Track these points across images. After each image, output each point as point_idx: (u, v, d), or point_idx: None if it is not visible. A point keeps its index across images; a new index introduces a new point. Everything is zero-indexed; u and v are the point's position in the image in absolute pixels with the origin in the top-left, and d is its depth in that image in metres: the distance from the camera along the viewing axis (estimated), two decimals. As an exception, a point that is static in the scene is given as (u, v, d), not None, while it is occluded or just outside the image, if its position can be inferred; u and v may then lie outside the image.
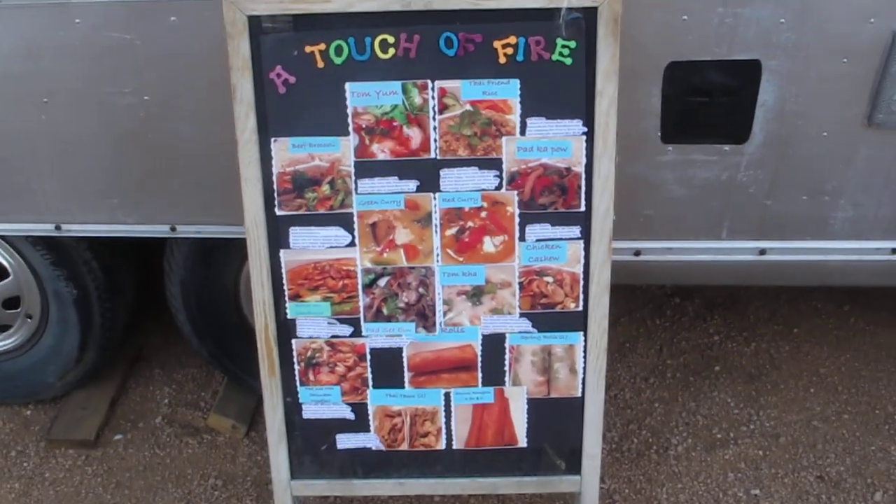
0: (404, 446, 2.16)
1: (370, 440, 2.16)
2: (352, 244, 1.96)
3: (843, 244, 2.17)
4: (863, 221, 2.13)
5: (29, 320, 2.61)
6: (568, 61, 1.80)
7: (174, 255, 2.38)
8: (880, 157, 2.02)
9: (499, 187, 1.91)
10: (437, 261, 1.97)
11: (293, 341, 2.05)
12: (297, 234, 1.95)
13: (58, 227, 2.25)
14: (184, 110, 2.01)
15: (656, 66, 1.90)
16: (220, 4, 1.77)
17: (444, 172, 1.90)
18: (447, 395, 2.11)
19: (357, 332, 2.04)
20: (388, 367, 2.08)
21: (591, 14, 1.75)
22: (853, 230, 2.14)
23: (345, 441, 2.16)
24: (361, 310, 2.02)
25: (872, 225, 2.13)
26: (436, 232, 1.95)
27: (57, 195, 2.19)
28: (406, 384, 2.09)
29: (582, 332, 2.03)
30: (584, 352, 2.05)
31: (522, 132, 1.86)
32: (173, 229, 2.21)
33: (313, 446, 2.17)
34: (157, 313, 2.78)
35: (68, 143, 2.09)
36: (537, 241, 1.95)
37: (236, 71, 1.81)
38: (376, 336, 2.05)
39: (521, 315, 2.02)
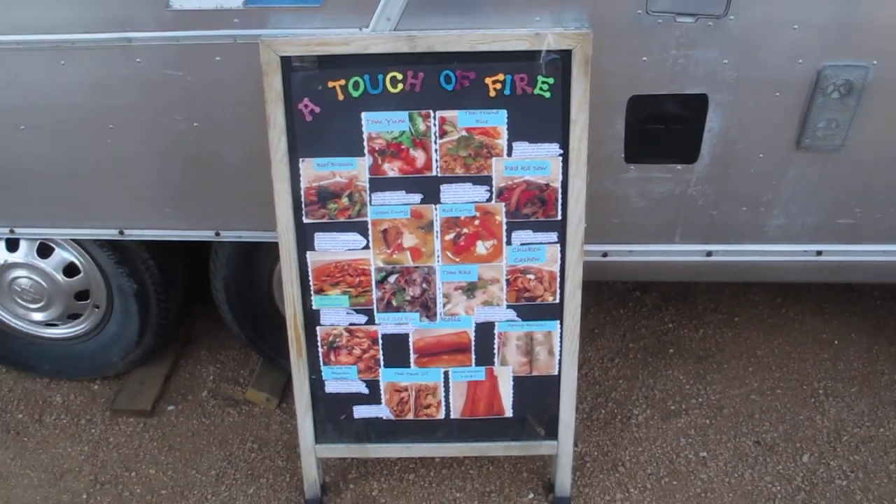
0: (410, 416, 2.16)
1: (382, 411, 2.16)
2: (366, 247, 1.96)
3: (776, 247, 2.16)
4: (792, 228, 2.12)
5: (96, 310, 2.60)
6: (547, 95, 1.80)
7: (218, 256, 2.37)
8: (807, 174, 2.01)
9: (489, 200, 1.91)
10: (438, 261, 1.97)
11: (317, 328, 2.05)
12: (320, 239, 1.95)
13: (121, 232, 2.24)
14: (227, 134, 2.00)
15: (620, 98, 1.89)
16: (258, 46, 1.77)
17: (443, 187, 1.90)
18: (446, 374, 2.11)
19: (371, 321, 2.04)
20: (396, 350, 2.08)
21: (566, 55, 1.76)
22: (784, 235, 2.14)
23: (360, 412, 2.16)
24: (374, 302, 2.02)
25: (800, 231, 2.13)
26: (437, 237, 1.94)
27: (120, 205, 2.18)
28: (412, 364, 2.09)
29: (558, 321, 2.04)
30: (561, 337, 2.05)
31: (509, 154, 1.86)
32: (217, 234, 2.20)
33: (334, 416, 2.17)
34: (204, 304, 2.78)
35: (130, 162, 2.08)
36: (521, 244, 1.95)
37: (270, 102, 1.81)
38: (387, 324, 2.04)
39: (508, 306, 2.02)
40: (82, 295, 2.57)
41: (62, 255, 2.47)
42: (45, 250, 2.48)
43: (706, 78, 1.86)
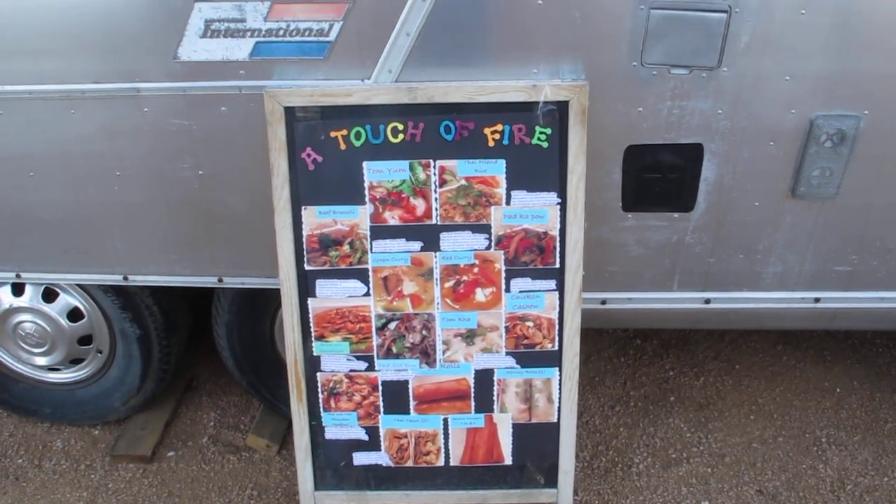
0: (410, 463, 2.15)
1: (381, 458, 2.15)
2: (367, 294, 1.97)
3: (774, 294, 2.16)
4: (790, 275, 2.13)
5: (99, 355, 2.61)
6: (545, 144, 1.83)
7: (221, 302, 2.39)
8: (803, 222, 2.03)
9: (488, 248, 1.93)
10: (438, 308, 1.98)
11: (318, 374, 2.06)
12: (322, 286, 1.96)
13: (125, 278, 2.25)
14: (231, 182, 2.03)
15: (617, 148, 1.91)
16: (262, 97, 1.81)
17: (443, 235, 1.92)
18: (445, 420, 2.10)
19: (371, 367, 2.05)
20: (396, 397, 2.08)
21: (563, 106, 1.80)
22: (782, 283, 2.14)
23: (360, 458, 2.15)
24: (375, 348, 2.02)
25: (798, 278, 2.13)
26: (436, 284, 1.96)
27: (125, 251, 2.20)
28: (411, 411, 2.09)
29: (557, 368, 2.04)
30: (560, 384, 2.05)
31: (508, 202, 1.89)
32: (220, 280, 2.21)
33: (334, 462, 2.16)
34: (206, 349, 2.78)
35: (136, 209, 2.11)
36: (520, 292, 1.96)
37: (274, 151, 1.85)
38: (387, 370, 2.05)
39: (507, 353, 2.02)
40: (85, 340, 2.58)
41: (67, 300, 2.49)
42: (49, 295, 2.49)
43: (701, 128, 1.89)
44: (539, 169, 1.85)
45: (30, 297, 2.49)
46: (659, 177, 1.96)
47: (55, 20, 1.86)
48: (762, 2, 1.75)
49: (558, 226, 1.89)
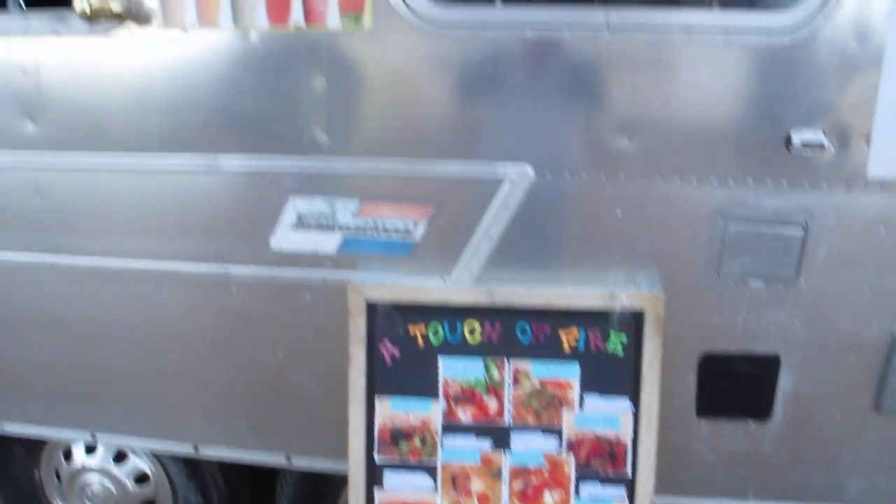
0: None
1: None
2: (434, 490, 1.96)
3: (858, 511, 2.08)
4: (875, 491, 2.04)
5: (159, 519, 2.63)
6: (619, 352, 1.85)
7: (286, 479, 2.40)
8: (888, 438, 1.97)
9: (559, 451, 1.91)
10: (505, 509, 1.96)
11: (380, 567, 2.03)
12: (390, 478, 1.96)
13: (196, 449, 2.29)
14: (307, 367, 2.08)
15: (692, 356, 1.92)
16: (346, 289, 1.89)
17: (514, 435, 1.92)
18: None
19: (434, 565, 2.01)
20: None
21: (639, 314, 1.83)
22: (867, 499, 2.05)
23: None
24: (439, 546, 1.99)
25: (885, 495, 2.04)
26: (505, 484, 1.94)
27: (199, 423, 2.25)
28: None
29: (627, 578, 1.97)
30: None
31: (580, 406, 1.89)
32: (289, 459, 2.23)
33: None
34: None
35: (212, 385, 2.17)
36: (589, 498, 1.92)
37: (353, 342, 1.91)
38: (450, 569, 2.01)
39: (575, 560, 1.97)
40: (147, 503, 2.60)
41: (136, 463, 2.54)
42: (119, 457, 2.54)
43: (778, 338, 1.89)
44: (613, 374, 1.86)
45: (101, 457, 2.55)
46: (735, 385, 1.95)
47: (161, 204, 2.01)
48: (839, 219, 1.79)
49: (631, 433, 1.88)
